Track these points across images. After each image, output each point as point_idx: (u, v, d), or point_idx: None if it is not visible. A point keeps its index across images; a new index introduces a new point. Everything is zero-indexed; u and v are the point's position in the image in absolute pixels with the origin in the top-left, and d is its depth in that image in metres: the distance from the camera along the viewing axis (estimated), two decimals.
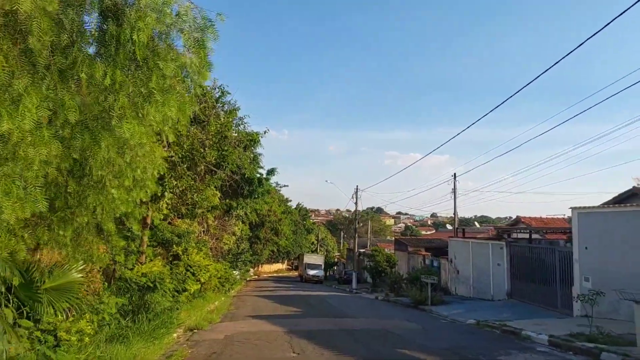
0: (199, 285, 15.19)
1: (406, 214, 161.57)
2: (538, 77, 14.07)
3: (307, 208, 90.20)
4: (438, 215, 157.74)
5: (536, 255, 17.93)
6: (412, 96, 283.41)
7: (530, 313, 16.19)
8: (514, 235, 27.77)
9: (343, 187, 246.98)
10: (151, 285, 10.38)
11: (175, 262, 14.88)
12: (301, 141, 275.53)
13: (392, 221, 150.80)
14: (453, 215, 26.41)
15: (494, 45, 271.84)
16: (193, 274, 14.74)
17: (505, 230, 31.13)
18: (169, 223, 24.05)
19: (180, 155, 14.21)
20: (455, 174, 26.98)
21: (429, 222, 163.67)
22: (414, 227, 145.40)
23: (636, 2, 9.60)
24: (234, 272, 30.32)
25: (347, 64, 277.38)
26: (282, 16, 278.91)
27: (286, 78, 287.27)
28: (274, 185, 51.35)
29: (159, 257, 16.75)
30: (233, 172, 18.35)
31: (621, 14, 10.18)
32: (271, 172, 32.57)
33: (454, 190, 26.70)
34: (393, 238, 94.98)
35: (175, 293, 14.68)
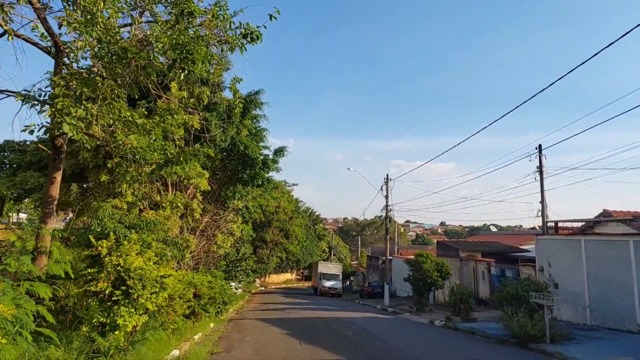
0: (145, 318, 7.51)
1: (415, 222, 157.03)
2: (543, 90, 13.31)
3: (318, 213, 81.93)
4: (447, 223, 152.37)
5: None
6: (414, 107, 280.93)
7: None
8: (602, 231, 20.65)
9: (349, 195, 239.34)
10: None
11: (92, 270, 7.25)
12: (305, 150, 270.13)
13: (401, 229, 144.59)
14: (540, 204, 18.46)
15: (492, 57, 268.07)
16: (127, 294, 7.09)
17: (588, 226, 23.66)
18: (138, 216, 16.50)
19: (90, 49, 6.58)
20: (540, 145, 19.12)
21: (439, 230, 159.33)
22: (424, 235, 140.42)
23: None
24: (231, 284, 22.56)
25: (347, 76, 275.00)
26: (284, 27, 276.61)
27: (288, 88, 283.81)
28: (281, 180, 43.67)
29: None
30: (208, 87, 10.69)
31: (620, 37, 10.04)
32: (279, 152, 24.82)
33: (540, 168, 18.76)
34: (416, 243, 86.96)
35: (97, 336, 7.10)
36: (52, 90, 6.56)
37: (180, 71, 7.19)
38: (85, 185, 18.87)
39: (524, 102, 15.26)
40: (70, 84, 7.18)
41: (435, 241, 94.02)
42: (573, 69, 12.39)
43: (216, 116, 18.31)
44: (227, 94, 21.96)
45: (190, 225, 20.38)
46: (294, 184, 54.86)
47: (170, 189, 19.30)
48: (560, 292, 16.56)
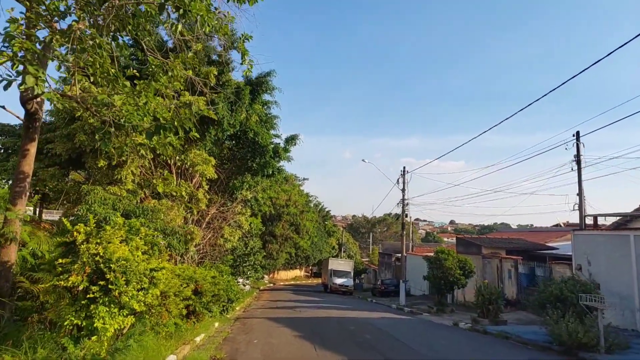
0: (131, 320, 6.14)
1: (424, 220, 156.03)
2: (552, 90, 13.27)
3: (328, 209, 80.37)
4: (457, 222, 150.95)
5: None
6: (423, 105, 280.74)
7: None
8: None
9: (358, 193, 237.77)
10: None
11: (64, 260, 5.91)
12: (313, 148, 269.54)
13: (411, 227, 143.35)
14: (577, 196, 16.73)
15: (501, 58, 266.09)
16: (106, 291, 5.72)
17: (625, 221, 21.98)
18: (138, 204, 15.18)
19: None
20: (578, 132, 17.38)
21: (449, 229, 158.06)
22: (434, 233, 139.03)
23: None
24: (238, 280, 21.20)
25: (356, 74, 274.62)
26: (294, 24, 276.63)
27: (297, 86, 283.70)
28: (292, 173, 42.16)
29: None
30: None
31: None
32: (291, 140, 23.35)
33: (577, 157, 17.04)
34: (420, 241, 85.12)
35: (69, 343, 5.74)
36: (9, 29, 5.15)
37: (174, 10, 5.74)
38: (90, 177, 17.66)
39: (541, 98, 14.31)
40: (37, 27, 5.75)
41: (447, 239, 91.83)
42: (593, 64, 11.19)
43: (224, 97, 16.88)
44: (235, 76, 20.57)
45: (195, 217, 19.06)
46: (304, 179, 53.49)
47: (174, 177, 17.98)
48: (602, 294, 14.91)
